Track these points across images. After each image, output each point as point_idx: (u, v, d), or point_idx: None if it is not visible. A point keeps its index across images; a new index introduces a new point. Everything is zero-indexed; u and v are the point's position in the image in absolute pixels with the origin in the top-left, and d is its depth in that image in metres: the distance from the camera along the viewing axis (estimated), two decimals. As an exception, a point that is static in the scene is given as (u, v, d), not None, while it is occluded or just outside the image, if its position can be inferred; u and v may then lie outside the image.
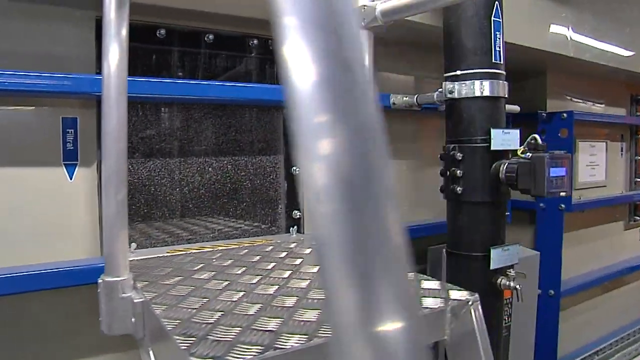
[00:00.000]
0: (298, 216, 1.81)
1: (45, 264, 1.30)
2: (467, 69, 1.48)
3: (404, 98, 1.84)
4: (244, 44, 1.70)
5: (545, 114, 2.51)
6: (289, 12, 0.32)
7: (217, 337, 0.81)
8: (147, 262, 1.34)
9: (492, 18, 1.46)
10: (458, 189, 1.49)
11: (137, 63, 1.51)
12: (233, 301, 0.99)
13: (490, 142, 1.44)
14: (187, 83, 1.54)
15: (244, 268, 1.26)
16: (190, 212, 1.63)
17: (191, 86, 1.52)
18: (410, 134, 2.08)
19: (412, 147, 2.08)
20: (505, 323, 1.80)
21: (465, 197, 1.49)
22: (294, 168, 1.80)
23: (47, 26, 1.36)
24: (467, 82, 1.48)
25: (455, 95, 1.49)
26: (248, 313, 0.92)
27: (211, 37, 1.61)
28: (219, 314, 0.92)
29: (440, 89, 1.55)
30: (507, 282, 1.47)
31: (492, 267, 1.46)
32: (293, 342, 0.79)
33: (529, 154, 1.37)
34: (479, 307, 1.03)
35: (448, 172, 1.53)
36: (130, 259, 1.36)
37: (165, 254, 1.43)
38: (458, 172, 1.49)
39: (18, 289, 1.24)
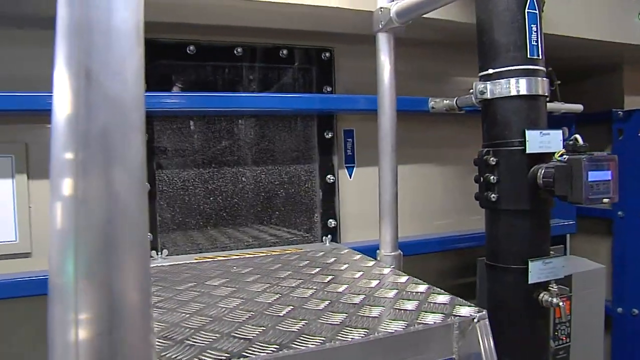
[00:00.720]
0: (333, 225, 1.80)
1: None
2: (499, 67, 1.38)
3: (444, 101, 1.76)
4: (274, 55, 1.73)
5: (621, 112, 2.26)
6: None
7: (193, 341, 0.82)
8: (172, 267, 1.40)
9: (527, 10, 1.36)
10: (492, 196, 1.39)
11: (169, 79, 1.61)
12: (229, 308, 1.01)
13: (526, 145, 1.33)
14: (220, 95, 1.62)
15: (257, 276, 1.27)
16: (224, 221, 1.69)
17: (225, 99, 1.60)
18: (455, 138, 1.99)
19: (458, 153, 1.98)
20: (562, 343, 1.64)
21: (500, 205, 1.39)
22: (329, 176, 1.80)
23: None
24: (500, 81, 1.38)
25: (488, 95, 1.40)
26: (236, 320, 0.93)
27: (240, 49, 1.66)
28: (208, 319, 0.94)
29: (472, 90, 1.46)
30: (549, 298, 1.33)
31: (530, 281, 1.33)
32: (265, 351, 0.78)
33: (566, 157, 1.24)
34: (487, 324, 0.95)
35: (482, 179, 1.43)
36: (159, 264, 1.45)
37: (193, 261, 1.49)
38: (492, 178, 1.39)
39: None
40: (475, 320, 0.95)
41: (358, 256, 1.49)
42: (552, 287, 1.35)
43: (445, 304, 1.02)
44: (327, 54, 1.79)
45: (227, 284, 1.20)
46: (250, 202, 1.72)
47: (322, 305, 1.01)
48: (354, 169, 1.87)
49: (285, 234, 1.77)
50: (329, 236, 1.76)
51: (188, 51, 1.61)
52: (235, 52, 1.67)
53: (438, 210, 1.99)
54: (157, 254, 1.53)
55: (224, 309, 1.00)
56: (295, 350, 0.79)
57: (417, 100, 1.78)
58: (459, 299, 1.04)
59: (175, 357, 0.77)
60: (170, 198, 1.62)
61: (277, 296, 1.08)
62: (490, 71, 1.40)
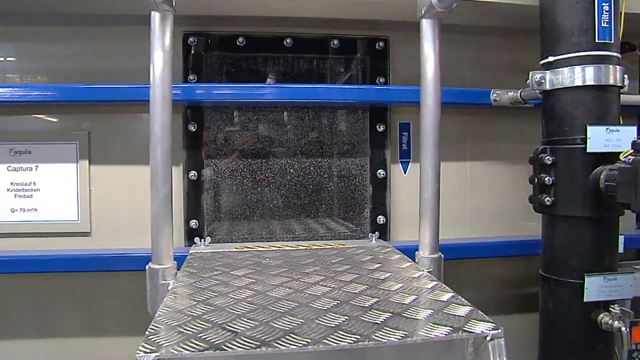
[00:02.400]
0: (383, 222, 1.75)
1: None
2: (561, 54, 1.23)
3: (508, 93, 1.61)
4: (325, 45, 1.71)
5: None
6: None
7: (185, 329, 0.84)
8: (211, 255, 1.45)
9: (597, -13, 1.19)
10: (547, 199, 1.25)
11: (220, 70, 1.66)
12: (236, 299, 1.02)
13: (587, 143, 1.17)
14: (269, 86, 1.64)
15: (283, 270, 1.27)
16: (270, 212, 1.71)
17: (274, 90, 1.62)
18: (522, 134, 1.83)
19: (523, 149, 1.82)
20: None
21: (557, 210, 1.24)
22: (380, 171, 1.74)
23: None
24: (561, 69, 1.23)
25: (547, 86, 1.25)
26: (235, 312, 0.94)
27: (289, 40, 1.67)
28: (211, 308, 0.96)
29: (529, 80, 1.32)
30: (610, 321, 1.17)
31: (586, 298, 1.18)
32: (243, 345, 0.78)
33: (631, 158, 1.06)
34: (501, 344, 0.85)
35: (536, 179, 1.29)
36: (200, 250, 1.51)
37: (233, 250, 1.53)
38: (547, 179, 1.25)
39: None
40: (489, 338, 0.86)
41: (397, 256, 1.43)
42: (614, 309, 1.18)
43: (461, 316, 0.93)
44: (381, 44, 1.72)
45: (251, 275, 1.21)
46: (297, 195, 1.72)
47: (328, 306, 0.97)
48: (409, 164, 1.80)
49: (333, 228, 1.75)
50: (377, 233, 1.71)
51: (238, 43, 1.65)
52: (285, 43, 1.68)
53: (499, 211, 1.86)
54: (200, 241, 1.59)
55: (231, 299, 1.01)
56: (272, 349, 0.78)
57: (478, 93, 1.66)
58: (480, 312, 0.95)
59: (159, 342, 0.79)
60: (218, 187, 1.67)
61: (289, 292, 1.07)
62: (551, 59, 1.25)
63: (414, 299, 1.02)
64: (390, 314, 0.93)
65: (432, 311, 0.95)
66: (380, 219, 1.75)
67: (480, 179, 1.84)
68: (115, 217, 1.65)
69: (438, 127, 1.32)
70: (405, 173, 1.79)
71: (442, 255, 1.36)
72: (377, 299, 1.02)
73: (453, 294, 1.05)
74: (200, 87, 1.59)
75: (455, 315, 0.94)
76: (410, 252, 1.45)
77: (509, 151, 1.84)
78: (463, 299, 1.02)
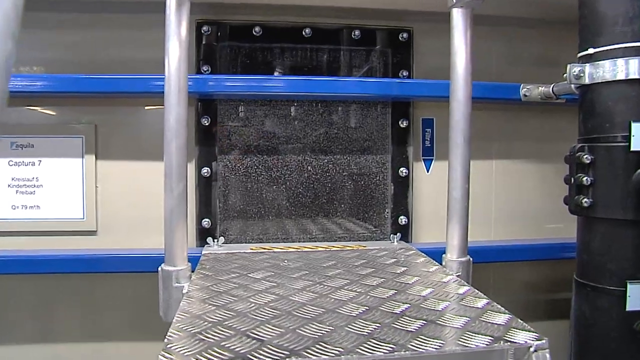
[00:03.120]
0: (405, 223, 1.73)
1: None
2: (603, 46, 1.19)
3: (539, 88, 1.59)
4: (345, 36, 1.68)
5: None
6: None
7: (205, 336, 0.82)
8: (225, 256, 1.43)
9: (644, -27, 1.15)
10: (584, 200, 1.21)
11: (235, 61, 1.64)
12: (258, 304, 0.99)
13: (630, 141, 1.13)
14: (287, 79, 1.63)
15: (304, 272, 1.24)
16: (286, 211, 1.69)
17: (292, 82, 1.60)
18: (555, 131, 1.80)
19: (553, 147, 1.79)
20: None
21: (595, 212, 1.21)
22: (402, 169, 1.71)
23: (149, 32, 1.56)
24: (602, 62, 1.19)
25: (586, 80, 1.22)
26: (258, 318, 0.91)
27: (308, 30, 1.64)
28: (231, 314, 0.93)
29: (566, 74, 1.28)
30: (653, 332, 1.13)
31: (628, 307, 1.14)
32: (271, 355, 0.76)
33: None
34: (546, 356, 0.82)
35: (572, 179, 1.25)
36: (213, 251, 1.49)
37: (248, 251, 1.51)
38: (585, 179, 1.21)
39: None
40: (532, 349, 0.83)
41: (422, 259, 1.41)
42: (658, 318, 1.14)
43: (500, 325, 0.90)
44: (405, 35, 1.70)
45: (270, 277, 1.19)
46: (315, 193, 1.70)
47: (356, 312, 0.95)
48: (433, 162, 1.77)
49: (352, 228, 1.73)
50: (398, 235, 1.69)
51: (254, 32, 1.63)
52: (303, 33, 1.65)
53: (526, 212, 1.83)
54: (214, 241, 1.58)
55: (252, 304, 0.99)
56: (304, 358, 0.75)
57: (507, 87, 1.63)
58: (519, 321, 0.92)
59: (179, 350, 0.77)
60: (232, 184, 1.66)
61: (314, 296, 1.05)
62: (591, 51, 1.21)
63: (447, 306, 0.99)
64: (424, 322, 0.90)
65: (468, 319, 0.92)
66: (402, 219, 1.72)
67: (507, 179, 1.81)
68: (123, 215, 1.63)
69: (469, 123, 1.29)
70: (428, 172, 1.77)
71: (472, 259, 1.33)
72: (408, 305, 0.99)
73: (488, 300, 1.02)
74: (213, 78, 1.57)
75: (493, 323, 0.91)
76: (434, 254, 1.42)
77: (537, 149, 1.81)
78: (499, 306, 0.99)
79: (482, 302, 1.01)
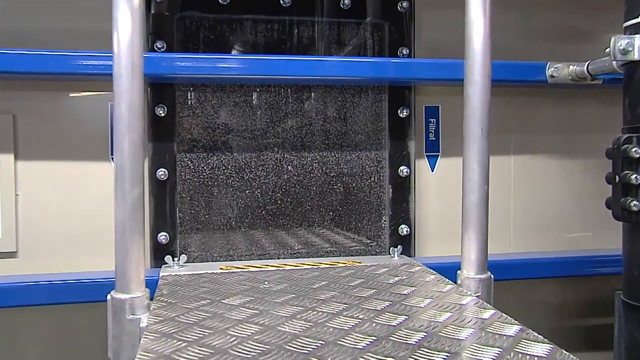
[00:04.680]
0: (406, 233, 1.73)
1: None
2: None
3: (570, 67, 1.61)
4: (333, 6, 1.68)
5: None
6: None
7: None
8: (189, 279, 1.40)
9: None
10: (633, 203, 1.22)
11: (196, 36, 1.62)
12: (240, 337, 0.96)
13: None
14: (259, 59, 1.60)
15: (291, 296, 1.23)
16: (262, 221, 1.68)
17: (266, 63, 1.57)
18: (582, 118, 1.83)
19: (585, 139, 1.83)
20: None
21: (646, 218, 1.22)
22: (403, 168, 1.71)
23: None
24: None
25: (635, 55, 1.23)
26: (243, 355, 0.88)
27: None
28: (208, 352, 0.90)
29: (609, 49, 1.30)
30: None
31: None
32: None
33: None
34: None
35: (617, 178, 1.26)
36: (173, 273, 1.45)
37: (217, 271, 1.48)
38: (634, 177, 1.22)
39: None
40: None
41: (432, 276, 1.41)
42: None
43: (541, 357, 0.89)
44: (405, 4, 1.70)
45: (250, 304, 1.17)
46: (297, 199, 1.69)
47: (362, 344, 0.93)
48: (438, 159, 1.78)
49: (342, 241, 1.73)
50: (399, 247, 1.68)
51: (220, 0, 1.61)
52: (281, 2, 1.65)
53: (557, 218, 1.85)
54: (173, 260, 1.54)
55: (233, 338, 0.96)
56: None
57: (530, 67, 1.65)
58: (564, 352, 0.91)
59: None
60: (195, 190, 1.63)
61: (307, 325, 1.02)
62: (640, 19, 1.23)
63: (471, 334, 0.98)
64: (447, 355, 0.89)
65: (501, 350, 0.91)
66: (403, 229, 1.73)
67: (527, 178, 1.83)
68: (55, 230, 1.59)
69: (487, 110, 1.29)
70: (433, 170, 1.78)
71: (492, 276, 1.33)
72: (424, 334, 0.98)
73: (520, 326, 1.02)
74: (169, 58, 1.54)
75: (532, 356, 0.90)
76: (444, 271, 1.42)
77: (565, 142, 1.84)
78: (535, 334, 0.99)
79: (514, 329, 1.00)
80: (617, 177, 1.28)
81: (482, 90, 1.30)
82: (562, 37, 1.81)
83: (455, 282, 1.35)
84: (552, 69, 1.63)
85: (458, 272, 1.36)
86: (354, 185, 1.72)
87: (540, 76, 1.63)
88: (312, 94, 1.70)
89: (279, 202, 1.68)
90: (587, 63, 1.56)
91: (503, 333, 0.98)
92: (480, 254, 1.32)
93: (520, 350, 0.91)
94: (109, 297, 1.13)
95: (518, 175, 1.83)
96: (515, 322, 1.04)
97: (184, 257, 1.55)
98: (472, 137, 1.31)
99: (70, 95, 1.60)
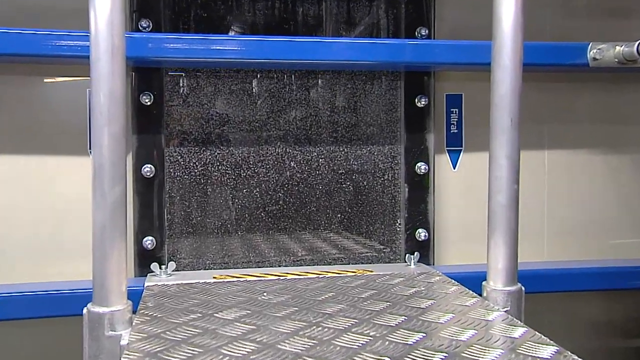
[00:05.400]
0: (424, 238, 1.73)
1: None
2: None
3: (617, 48, 1.60)
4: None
5: None
6: None
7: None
8: (178, 289, 1.40)
9: None
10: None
11: (186, 15, 1.62)
12: (235, 357, 0.96)
13: None
14: (256, 40, 1.59)
15: (293, 309, 1.22)
16: (262, 224, 1.68)
17: (263, 45, 1.56)
18: (628, 108, 1.83)
19: (632, 131, 1.84)
20: None
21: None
22: (420, 164, 1.71)
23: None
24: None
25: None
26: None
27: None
28: (197, 375, 0.89)
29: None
30: None
31: None
32: None
33: None
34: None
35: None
36: (161, 283, 1.44)
37: (210, 280, 1.48)
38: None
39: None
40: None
41: (453, 288, 1.40)
42: None
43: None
44: (424, -23, 1.71)
45: (246, 318, 1.16)
46: (300, 199, 1.69)
47: (376, 365, 0.92)
48: (461, 154, 1.78)
49: (351, 247, 1.73)
50: (416, 254, 1.67)
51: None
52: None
53: (599, 222, 1.84)
54: (161, 269, 1.53)
55: (227, 358, 0.95)
56: None
57: (569, 49, 1.63)
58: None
59: None
60: (185, 188, 1.63)
61: (311, 343, 1.01)
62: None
63: (500, 356, 0.96)
64: (472, 379, 0.88)
65: (537, 375, 0.90)
66: (421, 233, 1.73)
67: (564, 175, 1.83)
68: (20, 235, 1.58)
69: (518, 98, 1.28)
70: (454, 167, 1.78)
71: (523, 288, 1.31)
72: (445, 355, 0.97)
73: (557, 347, 1.00)
74: (155, 38, 1.53)
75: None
76: (468, 282, 1.43)
77: (609, 134, 1.83)
78: (575, 356, 0.97)
79: (548, 350, 0.99)
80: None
81: (512, 76, 1.28)
82: (607, 13, 1.80)
83: (481, 295, 1.35)
84: (594, 51, 1.61)
85: (484, 283, 1.35)
86: (365, 183, 1.72)
87: (581, 59, 1.62)
88: (319, 80, 1.70)
89: (281, 202, 1.68)
90: (637, 43, 1.56)
91: (536, 355, 0.97)
92: (509, 263, 1.31)
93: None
94: (85, 310, 1.13)
95: (553, 172, 1.82)
96: (551, 342, 1.03)
97: (172, 265, 1.55)
98: (500, 128, 1.30)
99: (45, 80, 1.59)
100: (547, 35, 1.74)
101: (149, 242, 1.60)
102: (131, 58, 1.48)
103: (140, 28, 1.58)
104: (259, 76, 1.67)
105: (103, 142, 1.11)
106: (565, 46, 1.64)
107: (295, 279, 1.50)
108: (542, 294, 1.66)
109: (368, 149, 1.72)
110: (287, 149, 1.68)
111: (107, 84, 1.10)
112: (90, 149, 1.57)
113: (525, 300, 1.33)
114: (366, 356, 0.95)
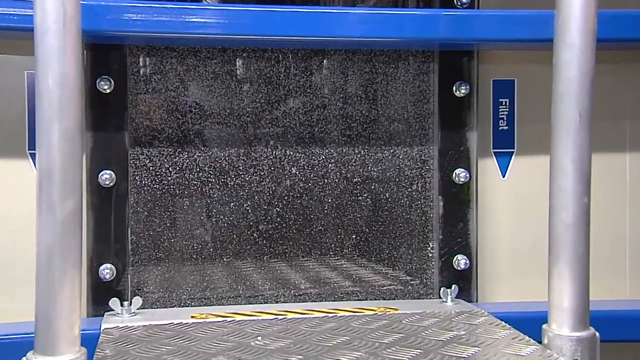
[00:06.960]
0: (465, 266, 1.73)
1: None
2: None
3: None
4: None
5: None
6: None
7: None
8: (144, 332, 1.40)
9: None
10: None
11: None
12: None
13: None
14: (257, 10, 1.59)
15: (297, 358, 1.22)
16: (254, 247, 1.68)
17: (265, 16, 1.57)
18: None
19: None
20: None
21: None
22: (459, 171, 1.72)
23: None
24: None
25: None
26: None
27: None
28: None
29: None
30: None
31: None
32: None
33: None
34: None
35: None
36: (123, 325, 1.44)
37: (187, 320, 1.48)
38: None
39: None
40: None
41: (504, 332, 1.40)
42: None
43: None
44: None
45: (235, 371, 1.17)
46: (303, 216, 1.71)
47: None
48: (512, 158, 1.79)
49: (369, 278, 1.74)
50: (454, 288, 1.67)
51: None
52: None
53: None
54: (122, 306, 1.53)
55: None
56: None
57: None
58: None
59: None
60: (155, 201, 1.64)
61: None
62: None
63: None
64: None
65: None
66: (460, 260, 1.73)
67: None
68: None
69: (589, 86, 1.28)
70: (504, 175, 1.79)
71: (598, 334, 1.31)
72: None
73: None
74: (115, 6, 1.53)
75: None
76: (522, 324, 1.43)
77: None
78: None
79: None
80: None
81: (582, 57, 1.28)
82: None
83: (540, 342, 1.34)
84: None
85: (544, 326, 1.35)
86: (387, 195, 1.73)
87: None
88: (326, 62, 1.72)
89: (278, 219, 1.68)
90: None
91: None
92: (577, 301, 1.31)
93: None
94: (23, 360, 1.13)
95: (637, 181, 1.82)
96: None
97: (137, 301, 1.55)
98: (566, 125, 1.30)
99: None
100: (631, 2, 1.75)
101: (106, 271, 1.59)
102: (87, 32, 1.49)
103: (93, -7, 1.58)
104: (248, 56, 1.68)
105: (52, 141, 1.10)
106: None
107: (298, 318, 1.50)
108: (623, 343, 1.68)
109: (391, 151, 1.73)
110: (287, 151, 1.68)
111: (57, 65, 1.10)
112: (29, 149, 1.57)
113: (603, 349, 1.32)
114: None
